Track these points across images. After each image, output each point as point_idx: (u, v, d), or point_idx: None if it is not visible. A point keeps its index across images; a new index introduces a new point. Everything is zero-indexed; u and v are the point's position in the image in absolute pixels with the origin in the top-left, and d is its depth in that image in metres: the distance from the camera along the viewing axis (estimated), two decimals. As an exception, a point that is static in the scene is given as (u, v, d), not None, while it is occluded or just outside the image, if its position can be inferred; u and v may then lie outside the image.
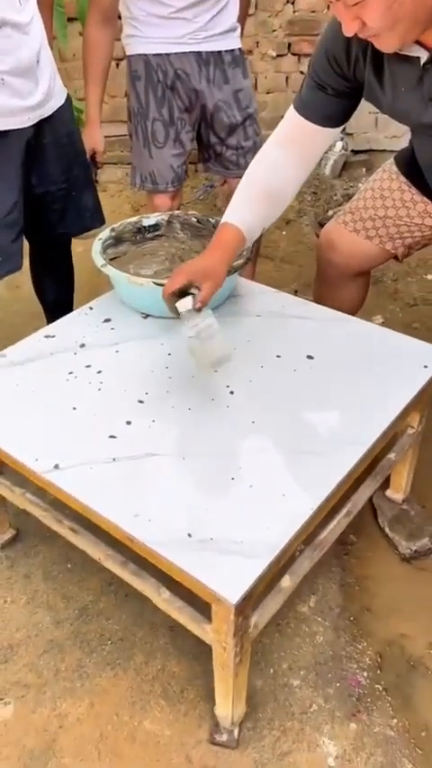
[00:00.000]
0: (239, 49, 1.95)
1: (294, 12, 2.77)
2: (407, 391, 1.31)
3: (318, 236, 2.99)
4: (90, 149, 1.92)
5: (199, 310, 1.23)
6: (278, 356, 1.42)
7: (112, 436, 1.22)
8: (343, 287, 1.75)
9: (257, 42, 2.78)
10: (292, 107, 1.34)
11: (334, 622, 1.43)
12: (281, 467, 1.15)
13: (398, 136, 3.14)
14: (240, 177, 2.04)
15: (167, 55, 1.86)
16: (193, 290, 1.24)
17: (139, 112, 1.95)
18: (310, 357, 1.41)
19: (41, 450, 1.19)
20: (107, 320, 1.55)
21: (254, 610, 1.10)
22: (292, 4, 2.76)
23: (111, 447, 1.20)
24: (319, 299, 1.77)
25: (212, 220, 1.68)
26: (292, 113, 1.33)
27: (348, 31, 1.07)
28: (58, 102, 1.67)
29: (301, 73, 2.95)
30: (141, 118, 1.94)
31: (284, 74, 2.90)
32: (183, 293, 1.25)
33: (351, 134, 3.11)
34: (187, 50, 1.86)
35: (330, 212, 2.94)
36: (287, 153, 1.34)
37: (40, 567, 1.54)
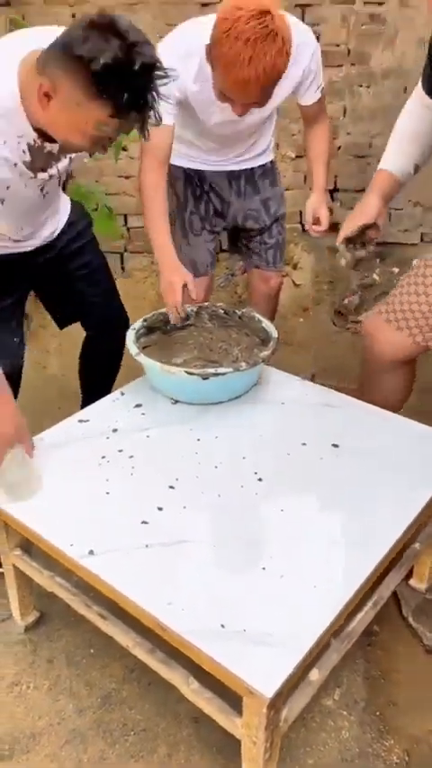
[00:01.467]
0: (271, 161, 2.07)
1: (312, 117, 2.99)
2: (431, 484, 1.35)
3: (335, 323, 3.11)
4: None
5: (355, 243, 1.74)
6: (304, 444, 1.46)
7: (144, 522, 1.25)
8: (384, 377, 1.79)
9: (278, 144, 2.98)
10: (420, 88, 1.68)
11: (360, 717, 1.40)
12: (311, 557, 1.18)
13: (409, 230, 3.29)
14: (260, 269, 2.16)
15: (202, 171, 1.98)
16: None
17: (177, 206, 2.03)
18: (335, 446, 1.45)
19: (76, 536, 1.22)
20: (138, 405, 1.61)
21: (284, 703, 1.09)
22: (310, 110, 2.97)
23: (143, 533, 1.23)
24: (362, 389, 1.83)
25: (238, 312, 1.77)
26: (420, 93, 1.67)
27: None
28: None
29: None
30: (180, 211, 2.03)
31: (302, 173, 3.09)
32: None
33: (365, 227, 3.26)
34: (219, 170, 1.98)
35: (346, 301, 3.06)
36: (426, 110, 1.63)
37: (63, 651, 1.54)
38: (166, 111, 1.41)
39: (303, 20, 2.81)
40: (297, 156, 3.08)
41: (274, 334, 1.67)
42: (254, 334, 1.74)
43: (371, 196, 1.69)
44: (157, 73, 1.14)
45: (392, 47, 2.89)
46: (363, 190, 3.21)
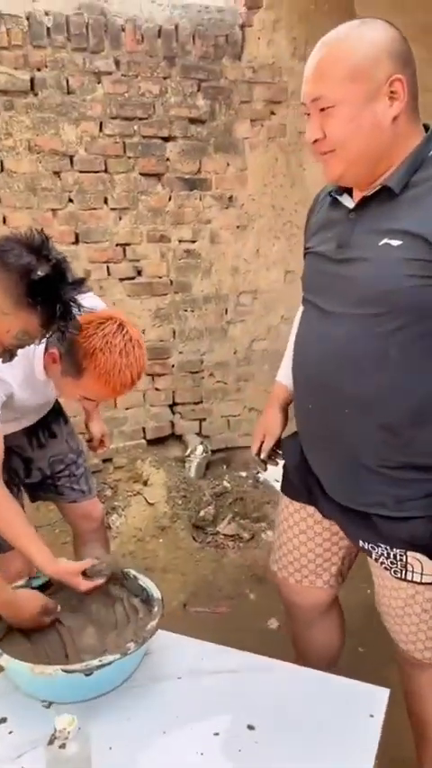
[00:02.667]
0: (56, 400, 1.93)
1: (144, 342, 3.09)
2: (358, 749, 1.19)
3: (195, 539, 2.99)
4: None
5: (270, 457, 1.67)
6: (216, 734, 1.24)
7: None
8: (311, 626, 1.69)
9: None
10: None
11: None
12: None
13: (249, 433, 3.40)
14: (78, 503, 2.03)
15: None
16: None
17: None
18: (251, 728, 1.25)
19: None
20: (2, 720, 1.29)
21: None
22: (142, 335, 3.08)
23: None
24: (293, 640, 1.74)
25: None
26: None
27: (312, 134, 1.23)
28: None
29: (156, 389, 3.18)
30: None
31: (141, 392, 3.12)
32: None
33: (208, 436, 3.31)
34: (17, 431, 1.83)
35: (202, 512, 2.98)
36: None
37: None
38: None
39: (125, 255, 2.99)
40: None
41: (156, 593, 1.49)
42: (131, 595, 1.55)
43: (272, 410, 1.68)
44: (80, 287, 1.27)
45: (209, 276, 3.15)
46: (199, 402, 3.32)
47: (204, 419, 3.31)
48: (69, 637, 1.43)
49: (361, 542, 1.41)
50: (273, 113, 3.09)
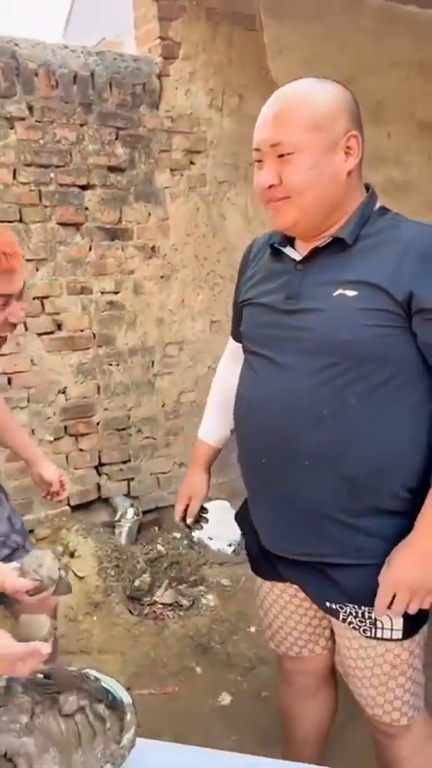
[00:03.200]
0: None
1: (66, 400, 2.87)
2: None
3: (132, 612, 2.75)
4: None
5: (196, 522, 1.65)
6: None
7: None
8: (310, 696, 1.60)
9: (33, 430, 2.77)
10: (230, 341, 1.61)
11: None
12: None
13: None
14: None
15: None
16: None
17: None
18: None
19: None
20: None
21: None
22: (64, 392, 2.86)
23: None
24: (285, 714, 1.65)
25: (66, 671, 1.35)
26: (230, 340, 1.60)
27: (267, 180, 1.20)
28: None
29: (81, 450, 2.96)
30: None
31: (64, 454, 2.89)
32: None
33: (138, 497, 3.11)
34: None
35: (137, 582, 2.75)
36: (235, 365, 1.48)
37: None
38: None
39: (43, 308, 2.79)
40: (56, 438, 2.89)
41: (126, 697, 1.27)
42: (94, 701, 1.32)
43: (196, 471, 1.64)
44: None
45: (134, 328, 3.01)
46: (127, 461, 3.13)
47: (133, 478, 3.11)
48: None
49: (327, 603, 1.34)
50: (192, 163, 3.05)
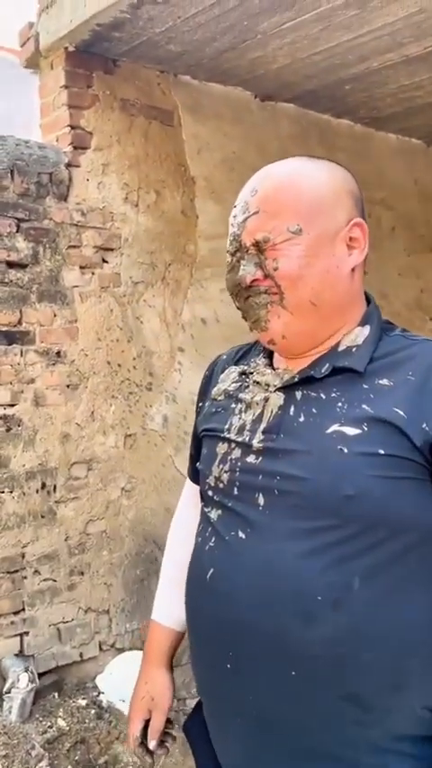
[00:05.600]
0: None
1: None
2: None
3: None
4: None
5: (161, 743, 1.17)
6: None
7: None
8: None
9: None
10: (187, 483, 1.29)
11: None
12: None
13: (86, 642, 2.66)
14: None
15: None
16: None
17: None
18: None
19: None
20: None
21: None
22: None
23: None
24: None
25: None
26: (187, 482, 1.29)
27: (250, 274, 0.96)
28: None
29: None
30: None
31: None
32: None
33: (33, 656, 2.52)
34: None
35: (31, 776, 2.14)
36: (196, 516, 1.14)
37: None
38: None
39: None
40: None
41: None
42: None
43: (154, 670, 1.21)
44: None
45: (33, 446, 2.54)
46: (20, 610, 2.55)
47: (27, 633, 2.53)
48: None
49: None
50: (105, 261, 2.72)
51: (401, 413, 0.90)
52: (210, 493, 1.06)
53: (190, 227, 2.99)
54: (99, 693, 2.62)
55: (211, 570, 1.00)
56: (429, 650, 0.92)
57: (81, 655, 2.66)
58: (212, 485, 1.05)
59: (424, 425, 0.89)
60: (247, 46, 2.61)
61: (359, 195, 1.02)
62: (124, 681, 2.64)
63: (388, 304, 3.77)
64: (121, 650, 2.77)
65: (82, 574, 2.66)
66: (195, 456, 1.18)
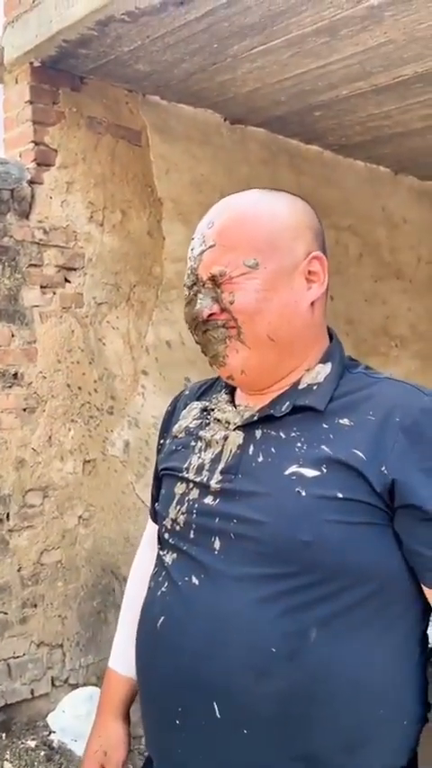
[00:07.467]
0: None
1: None
2: None
3: None
4: None
5: None
6: None
7: None
8: None
9: None
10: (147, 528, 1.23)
11: None
12: None
13: (37, 678, 2.54)
14: None
15: None
16: None
17: None
18: None
19: None
20: None
21: None
22: None
23: None
24: None
25: None
26: (149, 522, 1.22)
27: (207, 308, 0.93)
28: None
29: None
30: None
31: None
32: None
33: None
34: None
35: None
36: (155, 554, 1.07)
37: None
38: None
39: None
40: None
41: None
42: None
43: (108, 721, 1.13)
44: None
45: (-14, 472, 2.42)
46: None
47: (-25, 669, 2.40)
48: None
49: None
50: (67, 281, 2.65)
51: (361, 454, 0.86)
52: (166, 536, 1.01)
53: (156, 249, 2.94)
54: (50, 733, 2.50)
55: (162, 618, 0.95)
56: (390, 704, 0.88)
57: (32, 691, 2.53)
58: (169, 527, 1.00)
59: (383, 468, 0.85)
60: (216, 69, 2.59)
61: (319, 228, 0.99)
62: (77, 719, 2.52)
63: (354, 330, 3.76)
64: (75, 686, 2.65)
65: (35, 606, 2.54)
66: (156, 496, 1.13)
